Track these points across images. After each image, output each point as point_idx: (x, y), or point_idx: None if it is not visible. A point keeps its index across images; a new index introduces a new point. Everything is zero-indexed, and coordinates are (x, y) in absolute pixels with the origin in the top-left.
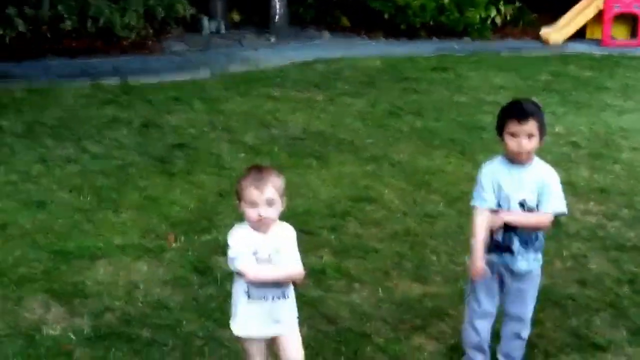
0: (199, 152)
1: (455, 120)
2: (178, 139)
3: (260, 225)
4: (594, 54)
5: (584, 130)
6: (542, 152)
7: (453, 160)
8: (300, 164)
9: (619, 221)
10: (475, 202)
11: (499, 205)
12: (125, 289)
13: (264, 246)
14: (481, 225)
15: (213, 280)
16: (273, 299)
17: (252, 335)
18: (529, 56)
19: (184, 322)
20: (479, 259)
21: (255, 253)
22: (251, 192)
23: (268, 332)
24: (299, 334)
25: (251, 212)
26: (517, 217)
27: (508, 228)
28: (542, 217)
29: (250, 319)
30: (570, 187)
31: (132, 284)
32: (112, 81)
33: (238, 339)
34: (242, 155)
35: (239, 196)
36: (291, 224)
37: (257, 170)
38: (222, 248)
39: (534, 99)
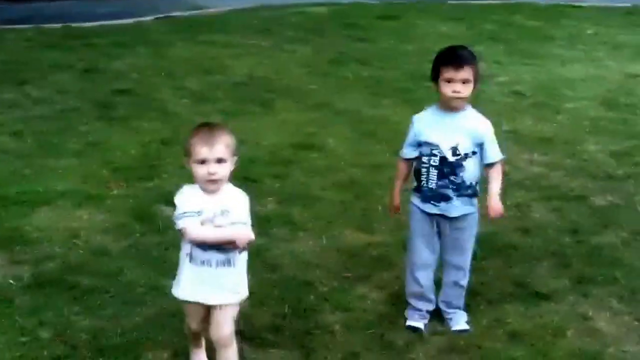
0: (142, 97)
1: (402, 69)
2: (121, 84)
3: (209, 185)
4: (539, 3)
5: (528, 80)
6: (486, 101)
7: (399, 109)
8: (244, 111)
9: (562, 171)
10: (400, 151)
11: (428, 155)
12: (66, 236)
13: (209, 206)
14: (400, 172)
15: (155, 228)
16: (217, 265)
17: (190, 300)
18: (475, 4)
19: (125, 270)
20: (394, 197)
21: (199, 212)
22: (200, 149)
23: (208, 299)
24: (236, 308)
25: (200, 170)
26: (496, 187)
27: (441, 176)
28: (499, 169)
29: (191, 283)
30: (514, 137)
31: (73, 230)
32: (55, 25)
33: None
34: (186, 101)
35: (187, 153)
36: (235, 171)
37: (208, 127)
38: (165, 196)
39: (469, 47)
